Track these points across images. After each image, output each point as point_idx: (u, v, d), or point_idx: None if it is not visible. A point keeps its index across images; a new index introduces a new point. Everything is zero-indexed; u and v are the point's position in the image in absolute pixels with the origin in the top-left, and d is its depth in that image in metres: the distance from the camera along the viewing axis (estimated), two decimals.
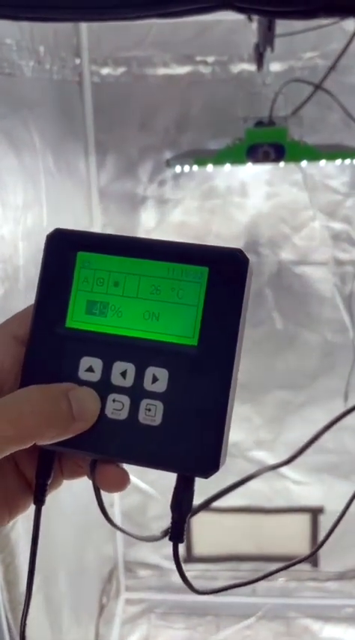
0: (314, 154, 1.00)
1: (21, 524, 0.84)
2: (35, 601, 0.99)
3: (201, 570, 1.62)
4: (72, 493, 1.12)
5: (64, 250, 0.33)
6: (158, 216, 1.40)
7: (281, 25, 1.01)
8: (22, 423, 0.29)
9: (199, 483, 0.33)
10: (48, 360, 0.33)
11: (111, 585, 1.61)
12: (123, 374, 0.32)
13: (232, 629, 1.56)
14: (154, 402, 0.32)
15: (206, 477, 0.32)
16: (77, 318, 0.33)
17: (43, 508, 0.34)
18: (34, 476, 0.34)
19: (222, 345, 0.31)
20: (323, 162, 1.08)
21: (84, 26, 1.26)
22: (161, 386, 0.32)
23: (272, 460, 1.53)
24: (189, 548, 1.62)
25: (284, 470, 1.53)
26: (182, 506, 0.33)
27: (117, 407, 0.32)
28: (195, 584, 0.35)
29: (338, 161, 1.08)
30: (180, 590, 1.61)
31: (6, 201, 0.94)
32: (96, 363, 0.33)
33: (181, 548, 1.61)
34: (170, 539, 0.33)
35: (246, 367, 1.71)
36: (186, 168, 1.12)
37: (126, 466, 0.33)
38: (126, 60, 1.31)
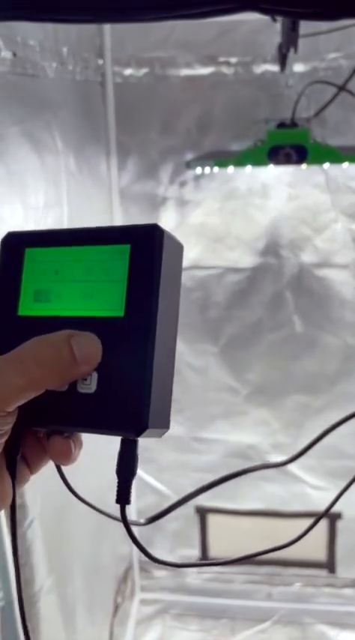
0: (337, 156, 0.99)
1: (38, 524, 0.85)
2: (49, 600, 1.00)
3: (216, 573, 1.61)
4: (88, 490, 1.12)
5: (14, 249, 0.38)
6: (178, 217, 1.39)
7: (306, 26, 1.00)
8: (29, 372, 0.32)
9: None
10: (5, 344, 0.35)
11: (126, 585, 1.61)
12: None
13: (247, 632, 1.55)
14: None
15: (136, 436, 0.34)
16: (26, 307, 0.37)
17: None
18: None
19: (142, 313, 0.34)
20: (345, 164, 1.07)
21: (107, 27, 1.26)
22: None
23: (290, 464, 1.52)
24: (204, 550, 1.62)
25: (302, 474, 1.52)
26: (126, 470, 0.35)
27: None
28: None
29: None
30: (195, 591, 1.61)
31: (27, 202, 0.94)
32: None
33: (196, 549, 1.60)
34: (117, 501, 0.36)
35: (265, 370, 1.68)
36: (207, 169, 1.11)
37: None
38: (148, 61, 1.31)
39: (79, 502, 0.40)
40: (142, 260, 0.35)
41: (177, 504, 0.59)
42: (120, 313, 0.34)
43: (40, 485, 0.92)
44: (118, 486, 0.36)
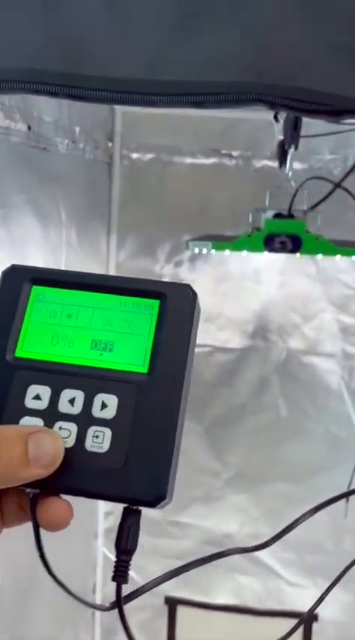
0: (331, 248, 1.03)
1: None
2: None
3: None
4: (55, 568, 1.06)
5: (19, 285, 0.35)
6: None
7: (304, 128, 1.07)
8: None
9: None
10: None
11: None
12: (72, 401, 0.32)
13: None
14: (102, 429, 0.31)
15: (153, 507, 0.31)
16: (27, 348, 0.34)
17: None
18: None
19: (171, 374, 0.32)
20: (338, 256, 1.11)
21: (119, 112, 1.34)
22: (110, 413, 0.32)
23: (267, 557, 1.46)
24: None
25: (279, 569, 1.46)
26: (127, 543, 0.32)
27: (64, 434, 0.31)
28: None
29: (354, 257, 1.10)
30: None
31: None
32: (44, 391, 0.32)
33: None
34: (113, 579, 0.32)
35: (246, 455, 1.65)
36: (204, 250, 1.15)
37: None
38: (156, 147, 1.39)
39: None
40: (173, 319, 0.33)
41: (141, 590, 0.57)
42: (144, 370, 0.32)
43: (1, 566, 0.87)
44: (117, 561, 0.32)
